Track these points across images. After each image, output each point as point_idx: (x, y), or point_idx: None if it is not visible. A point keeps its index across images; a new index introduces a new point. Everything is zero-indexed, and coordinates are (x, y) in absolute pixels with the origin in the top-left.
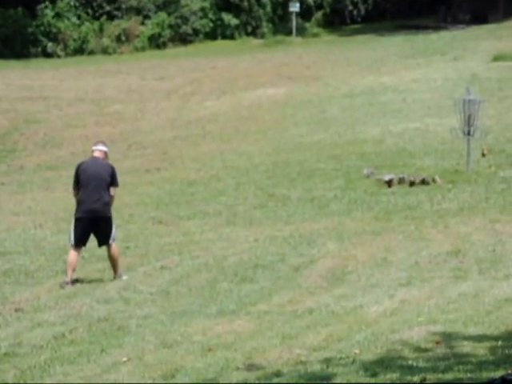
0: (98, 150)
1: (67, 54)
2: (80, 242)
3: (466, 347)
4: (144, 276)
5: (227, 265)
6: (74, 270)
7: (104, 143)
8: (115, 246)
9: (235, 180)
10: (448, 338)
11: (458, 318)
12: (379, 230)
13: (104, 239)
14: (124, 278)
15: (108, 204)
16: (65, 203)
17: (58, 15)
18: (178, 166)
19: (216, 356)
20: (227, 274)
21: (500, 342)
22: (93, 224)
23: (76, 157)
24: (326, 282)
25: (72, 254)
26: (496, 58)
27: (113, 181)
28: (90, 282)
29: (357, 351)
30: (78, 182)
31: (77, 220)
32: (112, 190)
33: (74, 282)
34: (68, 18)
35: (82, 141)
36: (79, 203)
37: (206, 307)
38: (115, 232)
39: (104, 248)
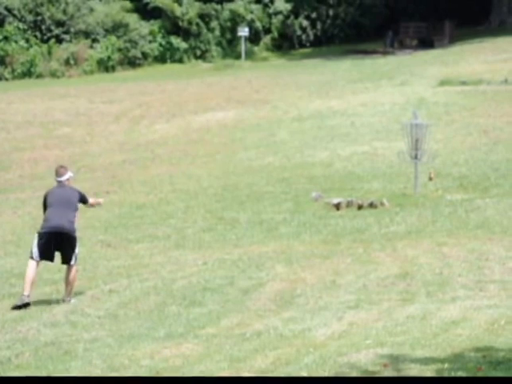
0: (63, 180)
1: (15, 77)
2: (42, 256)
3: (413, 370)
4: (92, 299)
5: (176, 288)
6: (33, 284)
7: (65, 168)
8: (75, 269)
9: (184, 203)
10: (395, 360)
11: (405, 341)
12: (328, 253)
13: (66, 258)
14: (72, 301)
15: (73, 223)
16: (12, 226)
17: (5, 38)
18: (127, 189)
19: None
20: (176, 298)
21: (446, 365)
22: (56, 240)
23: (24, 179)
24: (275, 305)
25: (30, 267)
26: (443, 83)
27: (84, 199)
28: (37, 305)
29: (305, 374)
30: (46, 207)
31: (39, 234)
32: (91, 200)
33: (22, 306)
34: (16, 42)
35: (31, 164)
36: (45, 220)
37: (154, 330)
38: (78, 254)
39: (52, 271)
